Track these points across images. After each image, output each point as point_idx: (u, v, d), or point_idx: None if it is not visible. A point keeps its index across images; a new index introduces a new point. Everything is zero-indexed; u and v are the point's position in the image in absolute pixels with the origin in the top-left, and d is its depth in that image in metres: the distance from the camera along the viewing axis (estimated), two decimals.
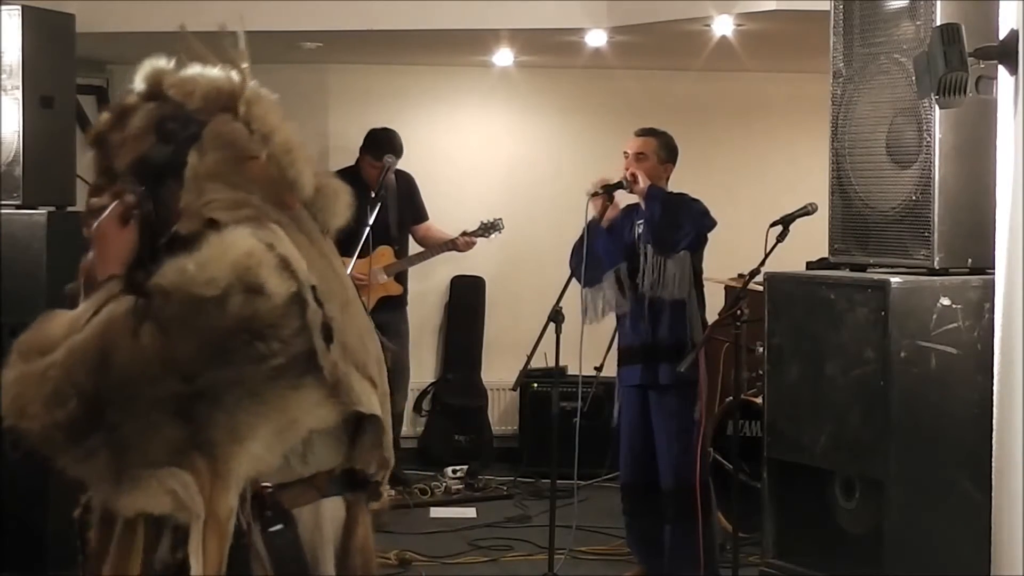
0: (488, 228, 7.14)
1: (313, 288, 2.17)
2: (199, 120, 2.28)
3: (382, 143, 7.01)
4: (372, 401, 2.28)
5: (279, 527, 2.22)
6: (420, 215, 7.30)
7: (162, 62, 2.35)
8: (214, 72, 2.32)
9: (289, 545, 2.23)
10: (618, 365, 5.42)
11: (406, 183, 7.26)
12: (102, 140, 2.33)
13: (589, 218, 5.27)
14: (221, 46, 2.34)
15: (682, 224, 5.15)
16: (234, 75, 2.32)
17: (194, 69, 2.33)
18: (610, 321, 5.42)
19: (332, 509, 2.30)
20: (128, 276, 2.20)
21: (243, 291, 2.10)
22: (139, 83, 2.34)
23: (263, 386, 2.14)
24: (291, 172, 2.27)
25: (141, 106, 2.31)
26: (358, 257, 6.41)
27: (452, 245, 7.12)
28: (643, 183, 5.20)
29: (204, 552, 2.13)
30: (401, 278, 7.19)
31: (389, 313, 7.10)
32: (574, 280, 5.27)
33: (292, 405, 2.17)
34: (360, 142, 7.26)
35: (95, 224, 2.31)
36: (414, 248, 7.29)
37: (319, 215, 2.35)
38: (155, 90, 2.32)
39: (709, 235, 5.28)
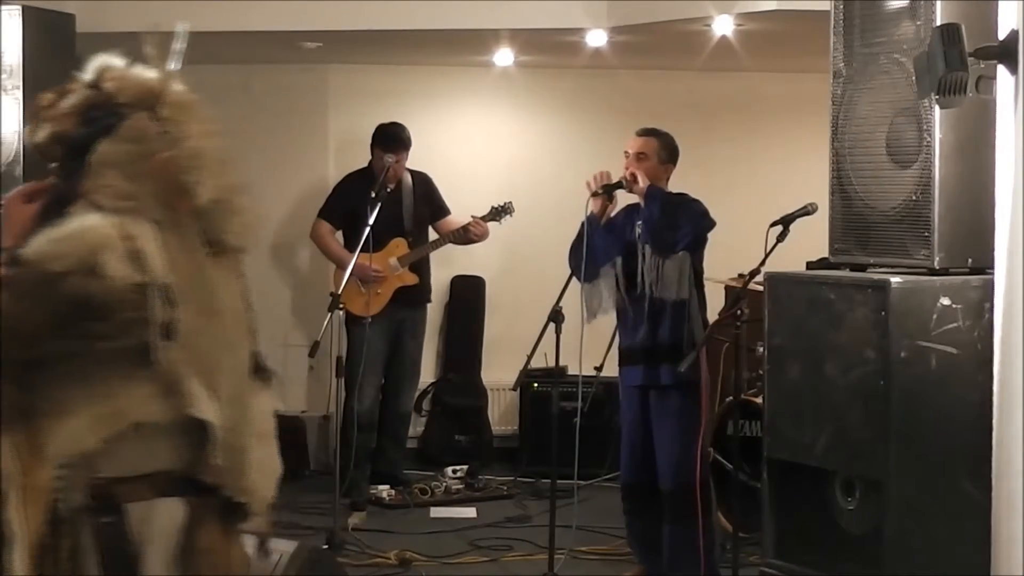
0: (499, 212, 7.14)
1: (165, 287, 2.26)
2: (122, 113, 2.39)
3: (391, 137, 7.04)
4: (205, 407, 2.33)
5: (109, 519, 2.29)
6: (440, 211, 7.31)
7: (115, 60, 2.47)
8: (149, 72, 2.44)
9: (117, 538, 2.30)
10: (619, 366, 5.42)
11: (422, 182, 7.27)
12: (37, 114, 2.46)
13: (588, 214, 5.27)
14: (155, 48, 2.46)
15: (681, 224, 5.15)
16: (158, 76, 2.44)
17: (137, 68, 2.46)
18: (610, 321, 5.42)
19: (169, 510, 2.36)
20: (12, 249, 2.31)
21: (84, 272, 2.20)
22: (88, 73, 2.47)
23: (93, 367, 2.25)
24: (187, 178, 2.36)
25: (79, 91, 2.44)
26: (368, 253, 6.46)
27: (464, 231, 7.12)
28: (643, 183, 5.20)
29: (24, 521, 2.22)
30: (421, 271, 7.19)
31: (408, 311, 7.13)
32: (574, 280, 5.27)
33: (120, 393, 2.27)
34: (359, 142, 7.27)
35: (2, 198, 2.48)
36: None
37: (209, 227, 2.42)
38: (96, 80, 2.44)
39: (709, 235, 5.29)
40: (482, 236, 7.15)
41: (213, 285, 2.41)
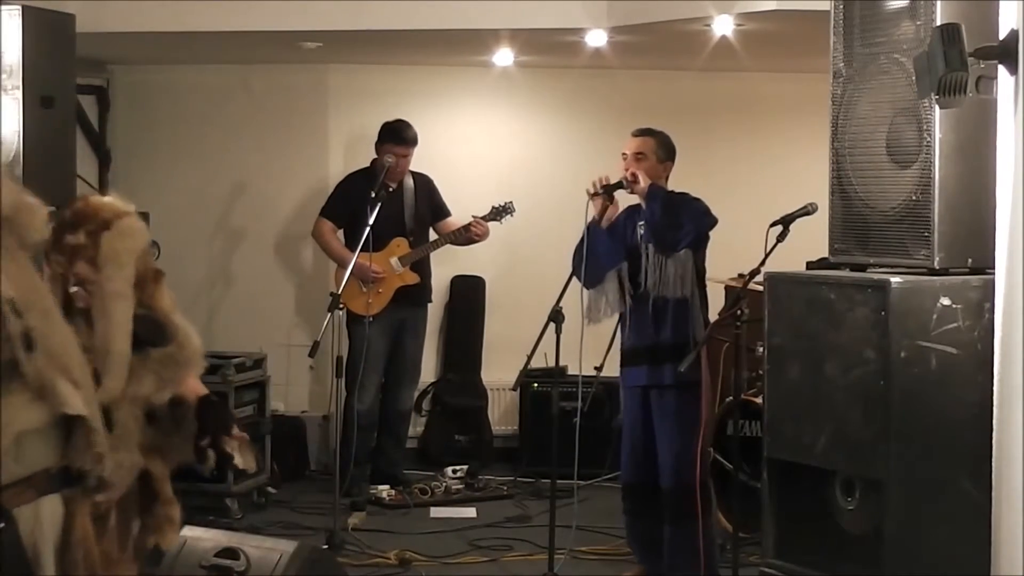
0: (500, 212, 7.13)
1: (11, 301, 2.33)
2: None
3: (397, 134, 7.05)
4: (77, 402, 2.43)
5: (0, 526, 2.35)
6: (440, 213, 7.32)
7: None
8: None
9: (10, 544, 2.36)
10: (621, 366, 5.42)
11: (424, 183, 7.28)
12: None
13: (589, 219, 5.27)
14: None
15: (683, 223, 5.15)
16: None
17: None
18: (610, 321, 5.42)
19: (51, 507, 2.45)
20: None
21: None
22: None
23: None
24: None
25: None
26: (367, 252, 6.46)
27: (466, 231, 7.12)
28: (644, 183, 5.20)
29: None
30: (422, 271, 7.19)
31: (409, 310, 7.15)
32: (574, 280, 5.27)
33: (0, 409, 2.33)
34: (359, 142, 7.26)
35: None
36: None
37: (17, 231, 2.49)
38: None
39: (710, 234, 5.29)
40: (483, 236, 7.15)
41: (40, 284, 2.51)
